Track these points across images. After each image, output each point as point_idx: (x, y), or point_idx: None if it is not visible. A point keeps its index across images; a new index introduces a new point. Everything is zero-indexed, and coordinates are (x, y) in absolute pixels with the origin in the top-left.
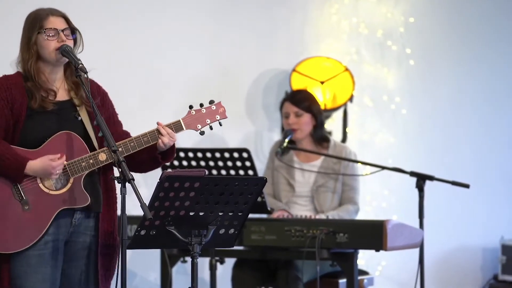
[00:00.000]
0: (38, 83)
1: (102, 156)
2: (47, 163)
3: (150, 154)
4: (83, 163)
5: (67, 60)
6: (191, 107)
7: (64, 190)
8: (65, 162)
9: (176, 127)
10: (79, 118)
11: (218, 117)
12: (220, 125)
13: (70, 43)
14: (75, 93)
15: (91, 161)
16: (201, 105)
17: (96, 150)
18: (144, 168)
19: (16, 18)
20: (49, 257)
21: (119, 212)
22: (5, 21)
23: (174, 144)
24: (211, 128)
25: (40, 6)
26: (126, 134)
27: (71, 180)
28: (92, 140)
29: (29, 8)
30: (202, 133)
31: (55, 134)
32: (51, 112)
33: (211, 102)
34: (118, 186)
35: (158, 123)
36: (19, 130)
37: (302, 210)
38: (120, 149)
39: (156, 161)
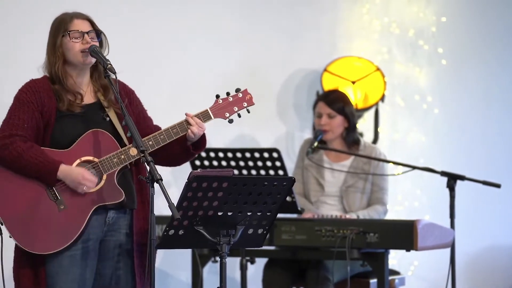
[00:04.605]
0: (66, 86)
1: (133, 151)
2: (80, 174)
3: (182, 145)
4: (115, 159)
5: (93, 62)
6: (217, 96)
7: (98, 187)
8: (97, 160)
9: (204, 116)
10: (108, 119)
11: (245, 104)
12: (248, 112)
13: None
14: (103, 95)
15: (122, 156)
16: (228, 93)
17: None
18: (177, 160)
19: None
20: (80, 257)
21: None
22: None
23: (204, 134)
24: (239, 115)
25: (67, 8)
26: (157, 129)
27: (104, 177)
28: (123, 140)
29: (49, 10)
30: (230, 121)
31: (83, 134)
32: (78, 115)
33: (237, 90)
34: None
35: (186, 114)
36: (49, 133)
37: (331, 209)
38: (150, 142)
39: (188, 152)
